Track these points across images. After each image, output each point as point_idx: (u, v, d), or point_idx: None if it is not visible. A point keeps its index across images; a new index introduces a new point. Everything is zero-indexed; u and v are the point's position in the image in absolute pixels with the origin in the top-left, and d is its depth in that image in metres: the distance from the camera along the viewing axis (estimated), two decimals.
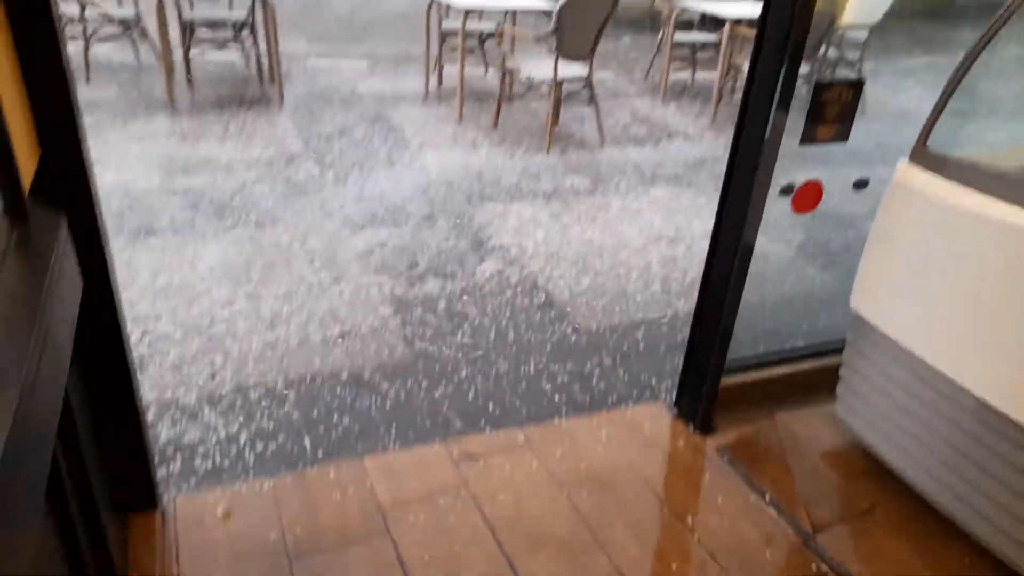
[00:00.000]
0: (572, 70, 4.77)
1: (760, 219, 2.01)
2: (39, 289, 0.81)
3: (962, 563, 1.80)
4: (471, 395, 2.45)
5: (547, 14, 5.28)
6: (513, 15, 6.31)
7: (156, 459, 2.10)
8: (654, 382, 2.57)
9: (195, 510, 1.91)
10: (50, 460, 0.79)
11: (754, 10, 4.07)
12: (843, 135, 1.95)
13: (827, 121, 1.90)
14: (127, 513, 1.77)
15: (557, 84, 4.75)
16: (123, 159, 4.25)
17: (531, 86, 5.62)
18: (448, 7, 5.61)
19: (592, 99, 4.95)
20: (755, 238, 2.03)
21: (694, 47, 6.56)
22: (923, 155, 1.81)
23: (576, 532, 1.91)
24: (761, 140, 1.88)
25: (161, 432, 2.21)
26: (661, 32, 6.59)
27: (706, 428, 2.30)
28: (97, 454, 1.54)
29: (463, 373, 2.56)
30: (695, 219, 3.93)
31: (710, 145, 5.17)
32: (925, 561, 1.80)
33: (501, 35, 5.92)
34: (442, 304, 2.98)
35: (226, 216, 3.64)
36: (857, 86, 1.90)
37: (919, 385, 1.84)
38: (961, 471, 1.76)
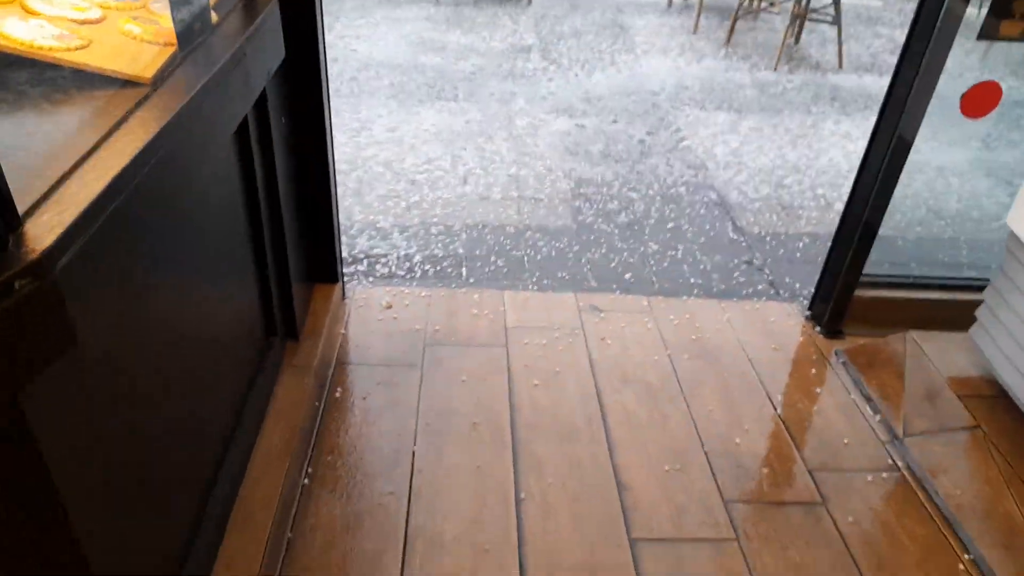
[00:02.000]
0: None
1: (922, 113, 1.96)
2: (243, 32, 1.19)
3: None
4: (613, 264, 2.67)
5: None
6: None
7: (345, 252, 2.63)
8: (797, 287, 2.59)
9: (367, 297, 2.40)
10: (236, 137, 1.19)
11: None
12: None
13: (1015, 15, 1.78)
14: (314, 283, 2.29)
15: (798, 0, 4.53)
16: (385, 36, 4.90)
17: (773, 2, 5.37)
18: None
19: (836, 19, 4.65)
20: (915, 134, 1.98)
21: None
22: None
23: (666, 383, 2.10)
24: (932, 27, 1.82)
25: (358, 243, 2.73)
26: None
27: (833, 332, 2.32)
28: (296, 231, 2.03)
29: (613, 246, 2.78)
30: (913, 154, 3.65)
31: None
32: (1013, 483, 1.75)
33: None
34: (616, 189, 3.18)
35: (453, 91, 4.11)
36: None
37: None
38: None
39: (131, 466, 1.07)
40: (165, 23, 1.20)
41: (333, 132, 2.09)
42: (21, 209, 0.74)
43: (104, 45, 1.10)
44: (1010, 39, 1.81)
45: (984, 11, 1.83)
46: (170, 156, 0.95)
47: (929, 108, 2.01)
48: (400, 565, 1.55)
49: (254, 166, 1.58)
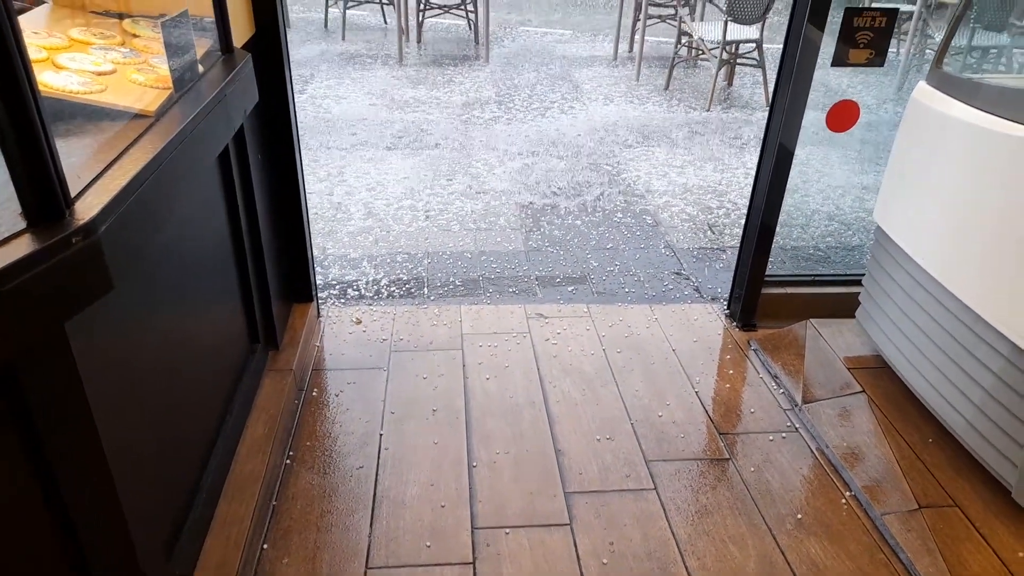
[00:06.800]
0: (743, 33, 5.00)
1: (798, 125, 2.32)
2: (223, 79, 1.53)
3: (925, 441, 2.03)
4: (558, 279, 3.00)
5: None
6: None
7: (320, 280, 2.93)
8: (719, 291, 2.93)
9: (339, 315, 2.70)
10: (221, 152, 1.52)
11: None
12: (878, 60, 2.20)
13: (859, 45, 2.17)
14: (292, 303, 2.59)
15: (726, 46, 5.01)
16: (354, 95, 5.30)
17: (704, 50, 5.88)
18: None
19: (760, 62, 5.13)
20: (794, 143, 2.34)
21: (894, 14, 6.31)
22: (937, 76, 2.03)
23: (600, 371, 2.41)
24: (796, 49, 2.20)
25: (331, 272, 3.04)
26: None
27: (747, 325, 2.65)
28: (274, 255, 2.34)
29: (559, 265, 3.11)
30: (830, 178, 4.06)
31: (886, 114, 5.10)
32: (890, 434, 2.06)
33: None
34: (562, 218, 3.54)
35: (418, 140, 4.49)
36: (891, 13, 2.14)
37: (923, 295, 2.05)
38: (949, 373, 1.93)
39: (145, 408, 1.35)
40: (163, 72, 1.54)
41: (306, 180, 2.43)
42: (72, 192, 1.05)
43: (118, 89, 1.43)
44: (858, 65, 2.20)
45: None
46: (172, 164, 1.27)
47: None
48: (370, 520, 1.82)
49: (236, 197, 1.90)
